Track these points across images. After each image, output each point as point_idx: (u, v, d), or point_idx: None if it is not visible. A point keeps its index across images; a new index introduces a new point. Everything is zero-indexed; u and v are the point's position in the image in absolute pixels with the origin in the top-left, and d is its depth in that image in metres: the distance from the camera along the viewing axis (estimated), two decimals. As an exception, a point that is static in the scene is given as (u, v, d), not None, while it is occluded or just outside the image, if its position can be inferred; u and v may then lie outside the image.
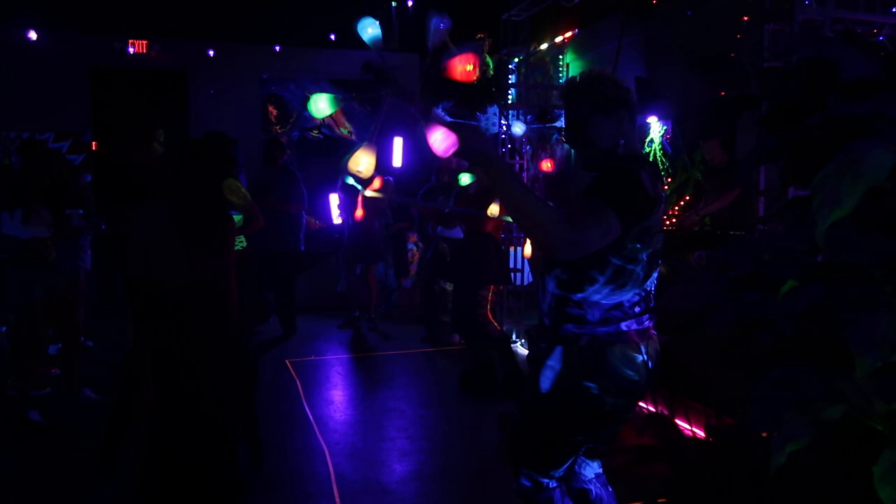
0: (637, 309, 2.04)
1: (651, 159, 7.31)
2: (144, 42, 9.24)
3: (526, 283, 6.91)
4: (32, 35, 8.42)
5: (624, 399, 2.03)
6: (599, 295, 1.99)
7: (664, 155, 7.16)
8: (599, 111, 2.02)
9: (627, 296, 2.01)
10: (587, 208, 1.83)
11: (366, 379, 5.78)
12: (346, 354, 6.53)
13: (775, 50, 3.93)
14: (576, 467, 2.23)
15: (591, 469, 2.26)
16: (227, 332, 3.17)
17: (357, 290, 7.48)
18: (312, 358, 6.26)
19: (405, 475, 3.74)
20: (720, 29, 6.70)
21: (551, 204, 2.33)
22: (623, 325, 2.01)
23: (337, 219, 8.06)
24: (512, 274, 6.68)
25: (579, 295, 2.01)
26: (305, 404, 4.86)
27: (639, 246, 1.96)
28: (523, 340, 6.67)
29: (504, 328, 6.73)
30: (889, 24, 3.99)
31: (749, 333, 1.00)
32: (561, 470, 2.14)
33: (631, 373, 2.00)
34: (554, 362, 2.04)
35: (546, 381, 2.04)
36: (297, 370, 5.78)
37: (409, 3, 10.88)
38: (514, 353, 5.19)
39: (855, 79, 0.83)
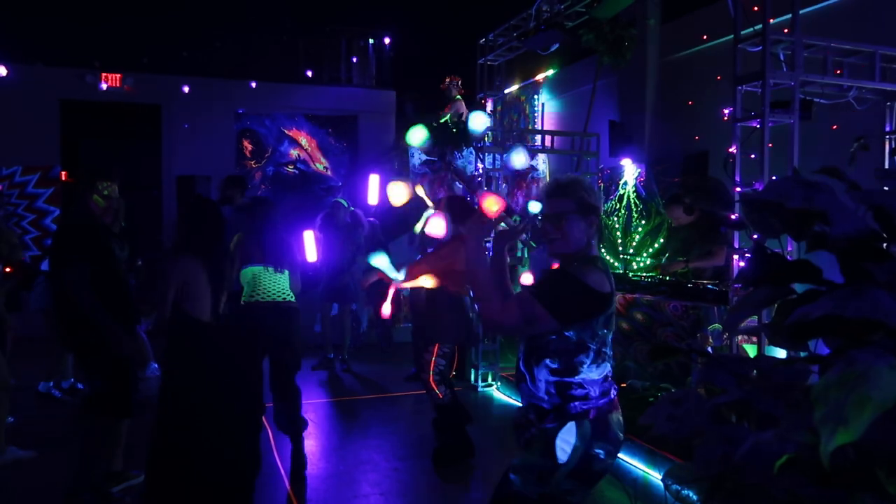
0: (611, 377, 2.39)
1: (625, 202, 7.39)
2: (118, 76, 9.15)
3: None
4: (2, 70, 8.28)
5: (615, 457, 2.35)
6: (592, 373, 2.30)
7: (637, 197, 7.23)
8: (577, 211, 2.31)
9: (608, 368, 2.36)
10: (523, 300, 2.25)
11: (339, 426, 5.67)
12: (320, 399, 6.42)
13: (747, 108, 4.01)
14: None
15: None
16: None
17: (333, 331, 7.39)
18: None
19: (379, 537, 3.65)
20: (692, 79, 6.84)
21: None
22: (612, 393, 2.36)
23: (312, 256, 7.97)
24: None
25: (578, 378, 2.29)
26: (276, 456, 4.74)
27: (605, 331, 2.31)
28: (499, 384, 6.63)
29: (480, 371, 6.69)
30: (855, 86, 4.10)
31: (743, 470, 0.98)
32: None
33: (621, 434, 2.35)
34: (568, 436, 2.27)
35: (562, 453, 2.26)
36: (267, 416, 5.64)
37: (387, 41, 10.96)
38: (458, 425, 4.53)
39: (843, 236, 0.83)
